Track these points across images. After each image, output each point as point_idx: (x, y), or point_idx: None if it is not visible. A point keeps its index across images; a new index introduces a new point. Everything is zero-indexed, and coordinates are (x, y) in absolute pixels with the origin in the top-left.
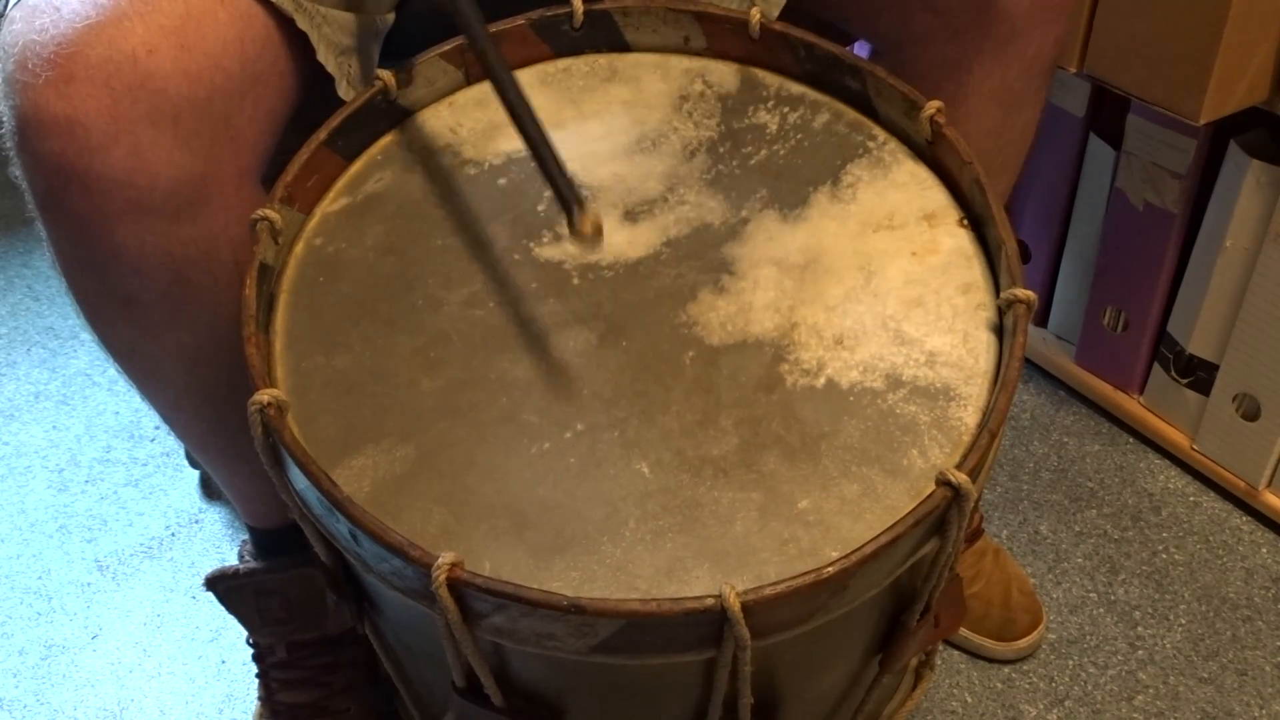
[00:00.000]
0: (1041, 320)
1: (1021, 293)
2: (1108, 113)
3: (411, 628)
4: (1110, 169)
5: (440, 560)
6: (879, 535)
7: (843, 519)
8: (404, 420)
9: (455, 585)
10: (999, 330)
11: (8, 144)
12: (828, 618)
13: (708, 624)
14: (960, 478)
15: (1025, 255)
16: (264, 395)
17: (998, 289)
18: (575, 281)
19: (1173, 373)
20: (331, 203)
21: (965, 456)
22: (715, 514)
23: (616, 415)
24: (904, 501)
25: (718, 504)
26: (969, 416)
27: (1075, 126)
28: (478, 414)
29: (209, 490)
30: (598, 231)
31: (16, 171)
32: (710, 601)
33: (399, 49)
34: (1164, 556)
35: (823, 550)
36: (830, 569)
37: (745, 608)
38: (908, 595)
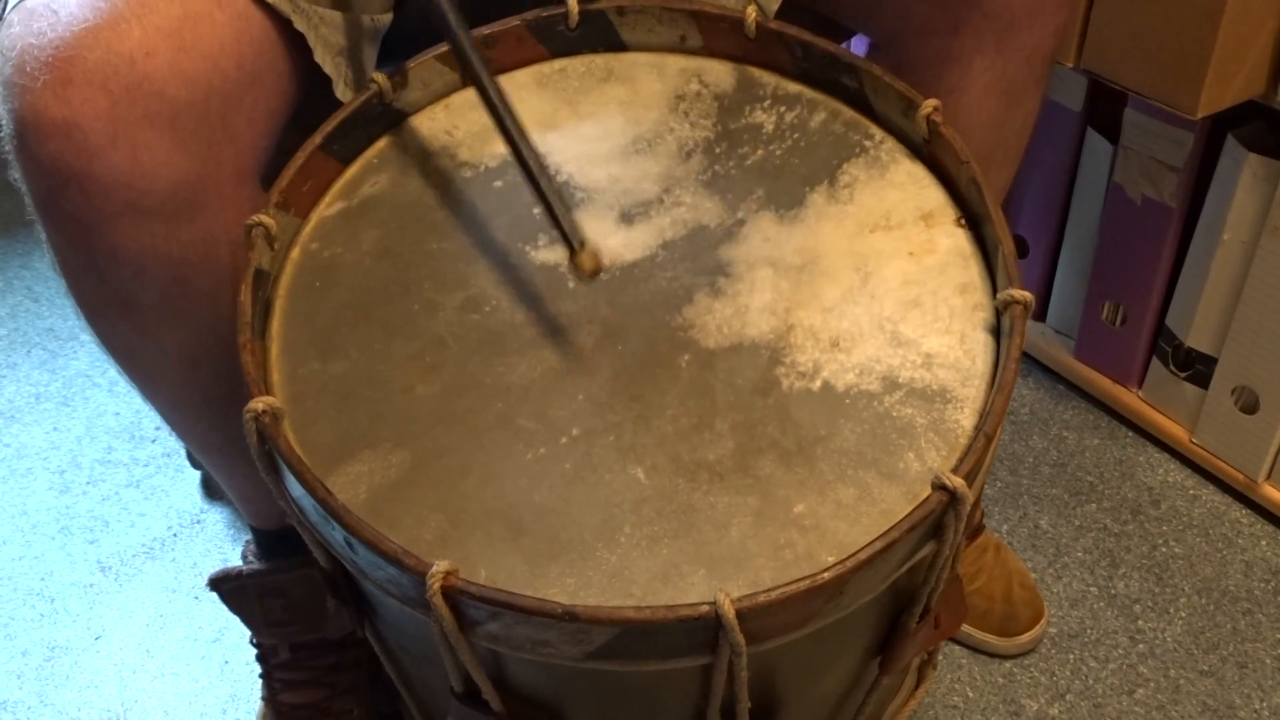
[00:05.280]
0: (1040, 315)
1: (1019, 293)
2: (1105, 107)
3: (410, 633)
4: (1108, 163)
5: (435, 568)
6: (874, 541)
7: (838, 523)
8: (400, 426)
9: (450, 593)
10: (996, 331)
11: (6, 147)
12: (824, 623)
13: (702, 631)
14: (956, 481)
15: (1023, 250)
16: (259, 403)
17: (995, 289)
18: (571, 285)
19: (1171, 366)
20: (327, 207)
21: (961, 460)
22: (711, 519)
23: (612, 420)
24: (900, 505)
25: (713, 509)
26: (966, 419)
27: (1072, 121)
28: (474, 419)
29: (210, 490)
30: (596, 270)
31: (15, 174)
32: (705, 608)
33: (397, 49)
34: (1164, 550)
35: (818, 555)
36: (826, 575)
37: (740, 614)
38: (906, 597)
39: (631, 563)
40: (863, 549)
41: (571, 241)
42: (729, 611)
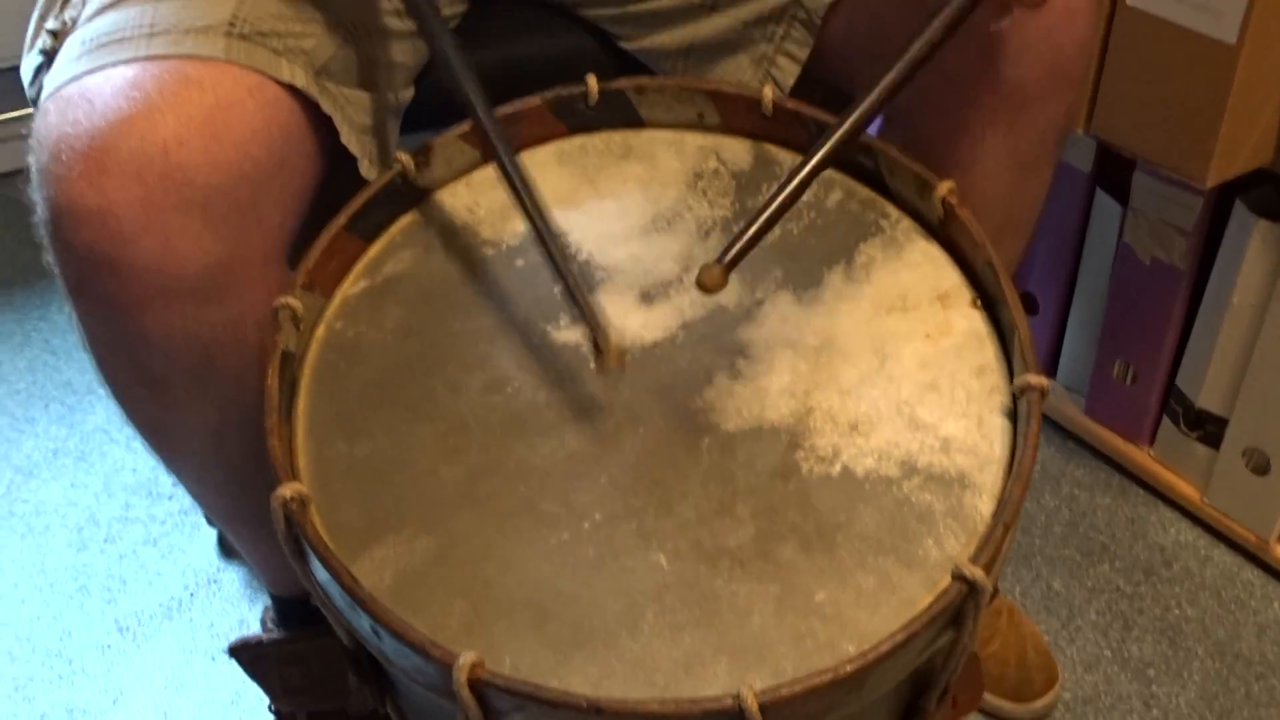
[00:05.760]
0: (1050, 371)
1: (1035, 379)
2: (1114, 169)
3: (433, 713)
4: (1117, 224)
5: (461, 660)
6: (895, 633)
7: (859, 612)
8: (424, 510)
9: (476, 684)
10: (1013, 415)
11: (40, 231)
12: (844, 712)
13: None
14: (975, 572)
15: (1033, 307)
16: (287, 489)
17: (1011, 371)
18: (592, 366)
19: (1182, 426)
20: (351, 285)
21: (980, 549)
22: (733, 607)
23: (634, 504)
24: (920, 593)
25: (735, 596)
26: (984, 505)
27: (1082, 182)
28: (497, 504)
29: (226, 549)
30: (621, 363)
31: (49, 258)
32: (728, 702)
33: (420, 121)
34: (1176, 612)
35: (839, 644)
36: (848, 667)
37: (762, 707)
38: (925, 681)
39: (654, 651)
40: (883, 641)
41: (599, 341)
42: (752, 705)
